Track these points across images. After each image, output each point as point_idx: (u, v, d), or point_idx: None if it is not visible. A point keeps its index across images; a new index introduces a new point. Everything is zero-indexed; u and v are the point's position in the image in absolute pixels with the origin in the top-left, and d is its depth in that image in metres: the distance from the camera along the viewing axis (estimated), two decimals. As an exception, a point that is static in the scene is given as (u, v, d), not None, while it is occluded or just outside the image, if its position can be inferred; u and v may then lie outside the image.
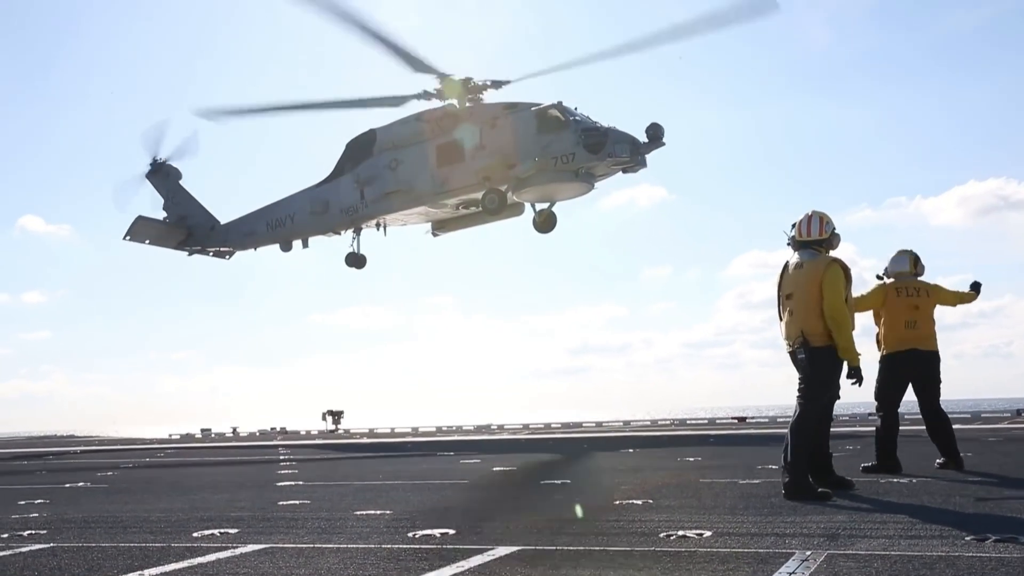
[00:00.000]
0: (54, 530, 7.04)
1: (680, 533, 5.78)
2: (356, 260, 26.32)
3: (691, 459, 13.06)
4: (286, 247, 27.46)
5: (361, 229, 26.08)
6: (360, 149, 25.49)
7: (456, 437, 27.95)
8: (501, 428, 35.51)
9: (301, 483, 11.11)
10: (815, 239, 8.04)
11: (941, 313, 10.15)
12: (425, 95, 23.50)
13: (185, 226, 29.37)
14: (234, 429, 47.55)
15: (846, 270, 7.89)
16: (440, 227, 26.50)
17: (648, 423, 35.06)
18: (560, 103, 22.65)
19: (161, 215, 30.00)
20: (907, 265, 10.13)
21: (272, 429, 46.63)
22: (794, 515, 6.48)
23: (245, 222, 28.47)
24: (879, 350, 10.05)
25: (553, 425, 35.93)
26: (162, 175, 29.82)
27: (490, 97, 23.84)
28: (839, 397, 7.94)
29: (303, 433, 40.44)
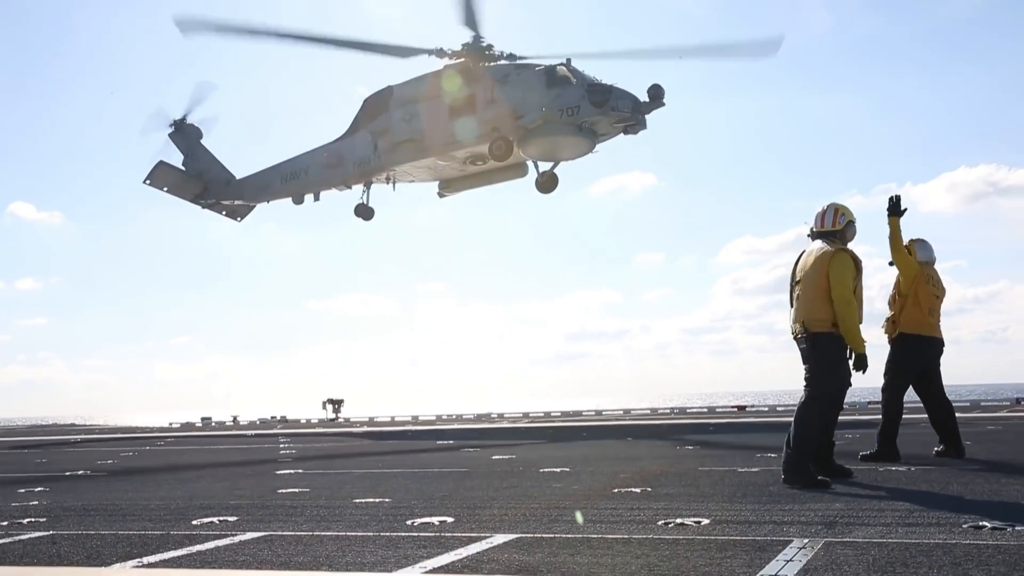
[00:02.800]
0: (54, 518, 7.06)
1: (678, 521, 5.79)
2: (365, 211, 27.38)
3: (690, 447, 13.08)
4: (298, 200, 28.43)
5: (372, 183, 27.12)
6: (377, 104, 26.59)
7: (455, 426, 27.99)
8: (501, 417, 35.56)
9: (300, 471, 11.13)
10: (829, 230, 8.15)
11: None
12: (439, 52, 24.62)
13: (203, 180, 30.76)
14: (234, 418, 47.62)
15: (856, 260, 7.91)
16: (447, 187, 27.28)
17: (648, 411, 35.10)
18: (569, 61, 23.87)
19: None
20: (933, 255, 10.10)
21: (272, 418, 46.68)
22: (792, 503, 6.49)
23: (260, 176, 29.55)
24: (891, 332, 9.90)
25: (553, 414, 35.97)
26: (183, 133, 31.26)
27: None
28: (850, 385, 7.89)
29: (303, 422, 40.49)
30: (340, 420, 43.09)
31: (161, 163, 30.30)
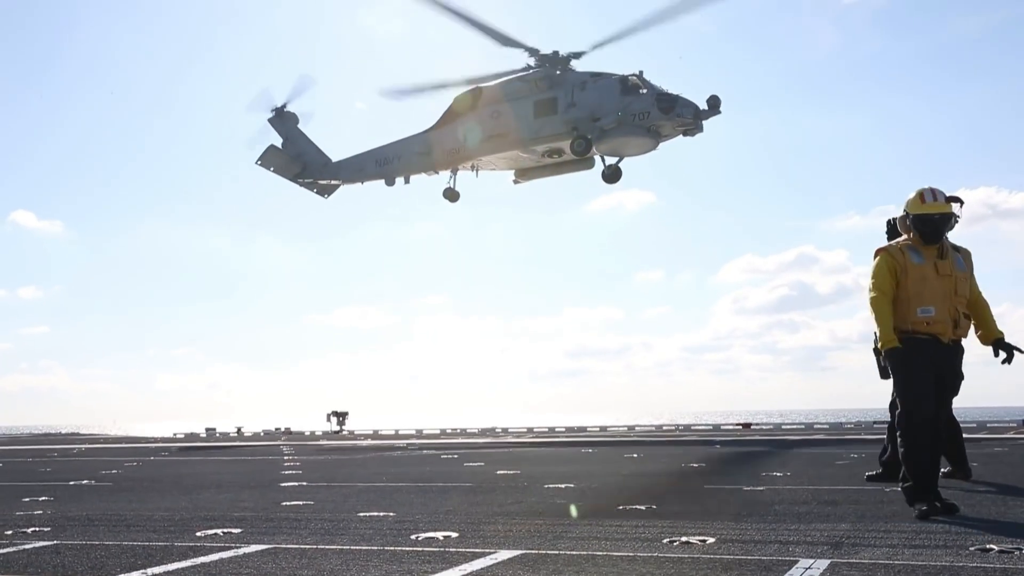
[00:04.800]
0: (58, 528, 7.06)
1: (683, 539, 5.78)
2: (452, 194, 30.87)
3: (695, 465, 13.05)
4: (390, 182, 31.70)
5: (458, 169, 30.50)
6: (466, 102, 29.82)
7: (460, 440, 27.96)
8: (505, 431, 35.50)
9: (305, 484, 11.12)
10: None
11: None
12: (532, 51, 28.28)
13: (302, 161, 33.77)
14: (238, 429, 47.63)
15: (894, 256, 7.13)
16: (522, 175, 30.53)
17: (652, 428, 35.02)
18: (641, 72, 27.28)
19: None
20: None
21: (276, 429, 46.69)
22: (798, 523, 6.47)
23: (356, 160, 32.83)
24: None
25: (557, 429, 35.90)
26: (282, 119, 34.55)
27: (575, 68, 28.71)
28: (949, 396, 7.22)
29: (307, 434, 40.47)
30: (344, 432, 43.08)
31: (271, 147, 33.88)
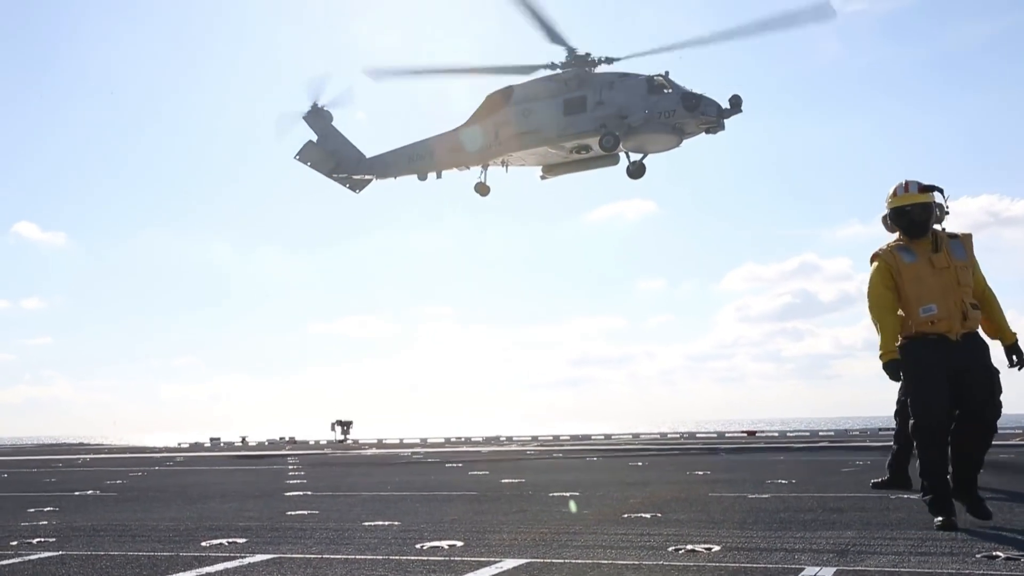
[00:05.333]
0: (63, 538, 7.06)
1: (689, 547, 5.77)
2: (483, 188, 31.95)
3: (700, 473, 13.02)
4: (423, 177, 32.85)
5: (489, 165, 31.60)
6: (498, 100, 30.98)
7: (464, 448, 27.93)
8: (509, 440, 35.47)
9: (309, 493, 11.11)
10: None
11: None
12: (551, 66, 29.58)
13: (337, 157, 34.96)
14: (243, 438, 47.62)
15: (886, 261, 6.86)
16: (549, 170, 31.58)
17: (657, 436, 34.97)
18: (667, 73, 28.53)
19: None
20: None
21: (281, 439, 46.66)
22: (803, 530, 6.46)
23: (389, 155, 33.92)
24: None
25: (562, 437, 35.85)
26: (317, 116, 35.54)
27: (601, 70, 30.04)
28: (978, 393, 6.67)
29: (312, 443, 40.45)
30: (349, 442, 43.06)
31: (309, 142, 34.92)
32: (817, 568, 4.97)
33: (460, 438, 38.66)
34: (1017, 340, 6.89)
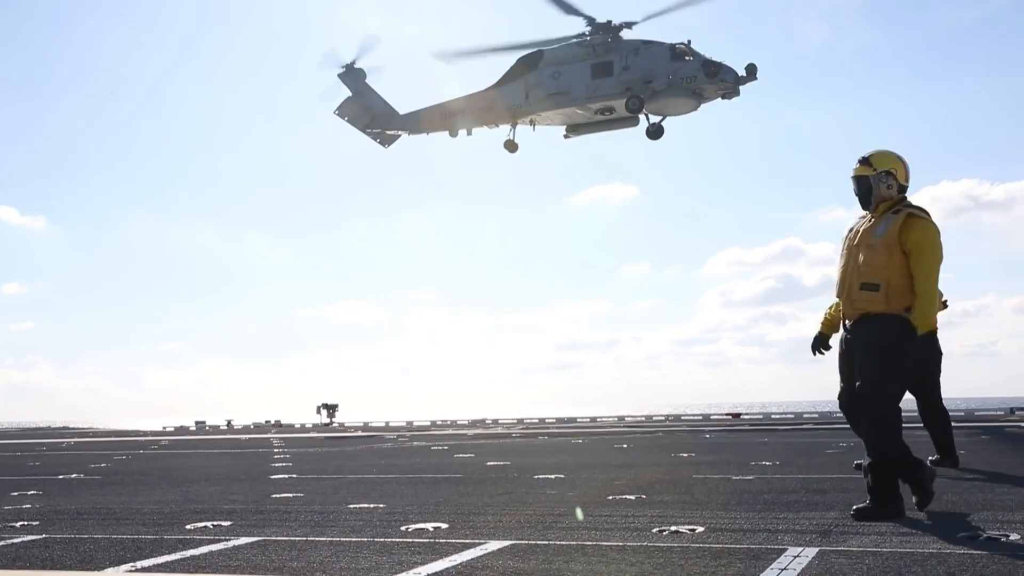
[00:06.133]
0: (46, 521, 7.04)
1: (673, 528, 5.79)
2: (511, 146, 34.06)
3: (685, 455, 13.08)
4: (453, 134, 34.79)
5: (517, 124, 33.67)
6: (529, 63, 32.84)
7: (450, 431, 27.98)
8: (495, 423, 35.52)
9: (295, 476, 11.11)
10: None
11: None
12: (581, 36, 31.67)
13: (371, 113, 36.70)
14: (228, 422, 47.54)
15: (843, 237, 6.71)
16: (573, 130, 33.56)
17: (642, 419, 35.10)
18: (689, 42, 30.60)
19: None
20: None
21: (267, 422, 46.60)
22: (787, 511, 6.50)
23: (423, 112, 35.62)
24: None
25: (547, 420, 35.93)
26: (352, 75, 36.72)
27: (625, 35, 32.17)
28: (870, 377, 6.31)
29: (298, 426, 40.43)
30: (334, 425, 43.05)
31: (348, 98, 36.58)
32: (800, 548, 5.00)
33: (446, 421, 38.71)
34: (922, 330, 6.32)
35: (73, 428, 50.06)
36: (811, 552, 4.88)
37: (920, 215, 6.30)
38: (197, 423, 47.47)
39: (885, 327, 6.18)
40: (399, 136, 36.92)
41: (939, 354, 10.08)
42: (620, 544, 5.31)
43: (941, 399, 9.98)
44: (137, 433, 36.60)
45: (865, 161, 6.47)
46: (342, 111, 36.93)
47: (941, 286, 10.41)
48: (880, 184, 6.40)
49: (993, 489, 7.63)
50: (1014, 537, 5.16)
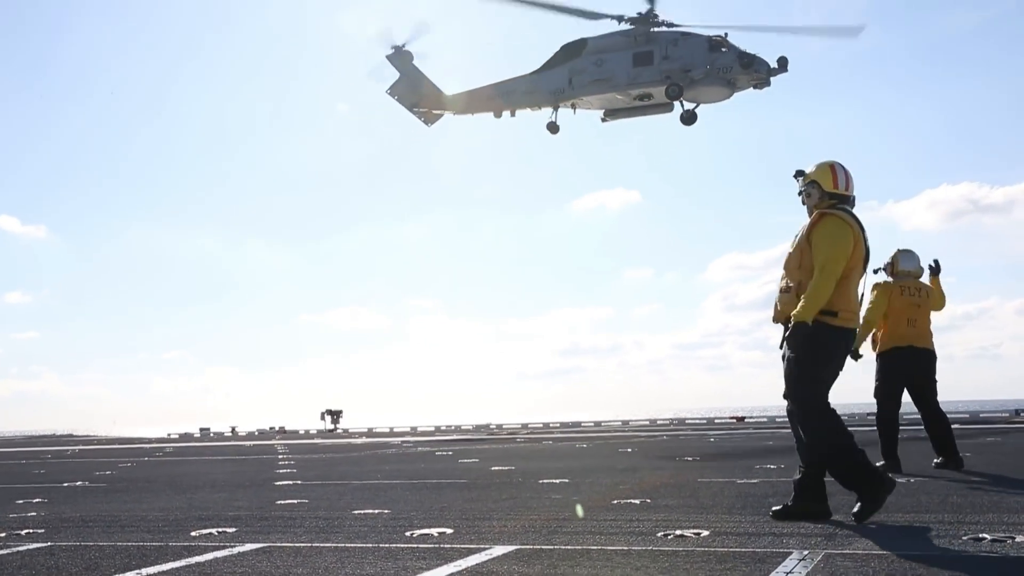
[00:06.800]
0: (52, 529, 7.04)
1: (678, 532, 5.79)
2: (553, 127, 35.17)
3: (689, 459, 13.07)
4: (498, 115, 36.08)
5: (559, 107, 34.90)
6: (572, 50, 34.26)
7: (454, 437, 27.97)
8: (500, 428, 35.51)
9: (299, 482, 11.11)
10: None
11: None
12: (619, 18, 33.30)
13: (419, 92, 37.89)
14: (233, 429, 47.56)
15: None
16: (611, 114, 35.02)
17: (647, 423, 35.07)
18: (726, 34, 32.09)
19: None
20: (917, 265, 10.19)
21: (271, 428, 46.62)
22: (792, 514, 6.48)
23: (468, 94, 37.06)
24: (873, 349, 10.07)
25: (552, 425, 35.91)
26: (400, 56, 37.99)
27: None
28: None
29: (302, 432, 40.44)
30: (339, 431, 43.07)
31: (399, 78, 37.77)
32: (805, 551, 4.99)
33: (450, 427, 38.70)
34: (796, 320, 6.24)
35: (77, 436, 50.09)
36: (816, 555, 4.87)
37: (829, 213, 6.39)
38: (202, 430, 47.54)
39: (795, 331, 6.26)
40: (442, 115, 38.31)
41: (935, 359, 10.09)
42: (625, 548, 5.30)
43: (938, 404, 9.99)
44: (141, 440, 36.63)
45: (799, 174, 6.65)
46: (393, 90, 38.44)
47: (944, 288, 10.45)
48: (804, 195, 6.58)
49: (998, 491, 7.62)
50: (1019, 539, 5.15)
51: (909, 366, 9.88)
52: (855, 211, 6.55)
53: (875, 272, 10.25)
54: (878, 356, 10.00)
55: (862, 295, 6.57)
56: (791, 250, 6.49)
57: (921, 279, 10.25)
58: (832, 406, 6.45)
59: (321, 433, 39.85)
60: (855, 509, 6.18)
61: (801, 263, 6.35)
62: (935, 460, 9.87)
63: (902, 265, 10.17)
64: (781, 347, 6.49)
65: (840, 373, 6.47)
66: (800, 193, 6.62)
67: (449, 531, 6.22)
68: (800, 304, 6.22)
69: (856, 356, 6.88)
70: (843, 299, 6.31)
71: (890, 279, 10.16)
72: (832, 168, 6.52)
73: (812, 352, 6.26)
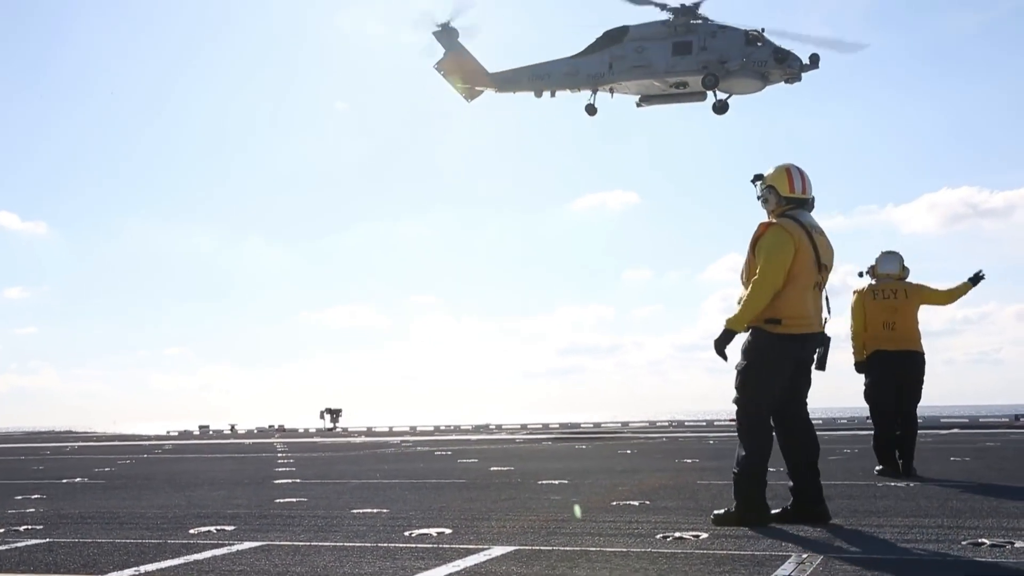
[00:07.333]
0: (50, 525, 7.04)
1: (677, 534, 5.78)
2: (591, 109, 36.15)
3: (689, 460, 13.07)
4: (538, 95, 37.00)
5: (597, 90, 35.96)
6: (614, 36, 35.31)
7: (453, 436, 27.98)
8: (499, 428, 35.52)
9: (298, 481, 11.11)
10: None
11: (925, 318, 10.12)
12: (661, 6, 34.06)
13: (463, 70, 38.74)
14: (232, 427, 47.58)
15: None
16: (646, 100, 36.11)
17: (646, 424, 35.07)
18: (763, 30, 33.14)
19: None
20: (897, 267, 10.15)
21: (270, 427, 46.63)
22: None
23: (512, 72, 37.95)
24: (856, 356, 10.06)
25: (551, 425, 35.92)
26: (446, 33, 38.78)
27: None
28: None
29: (301, 431, 40.46)
30: (338, 429, 43.10)
31: (446, 54, 38.55)
32: (804, 555, 4.99)
33: (449, 426, 38.71)
34: (725, 327, 6.42)
35: (76, 432, 50.13)
36: (816, 559, 4.87)
37: (773, 223, 6.39)
38: (201, 427, 47.55)
39: (744, 340, 6.38)
40: (482, 92, 39.15)
41: (920, 361, 10.03)
42: (624, 550, 5.30)
43: (914, 409, 9.94)
44: (141, 437, 36.65)
45: (757, 178, 6.64)
46: (440, 65, 39.25)
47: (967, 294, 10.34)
48: (762, 200, 6.58)
49: (998, 496, 7.62)
50: (1019, 544, 5.15)
51: (888, 370, 9.84)
52: (814, 213, 6.57)
53: (860, 276, 10.30)
54: (858, 364, 10.00)
55: (826, 298, 6.56)
56: (744, 261, 6.55)
57: (907, 279, 10.17)
58: (769, 424, 6.37)
59: (320, 432, 39.87)
60: (721, 510, 6.29)
61: (750, 271, 6.44)
62: (876, 468, 9.79)
63: (880, 268, 10.19)
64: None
65: (790, 381, 6.38)
66: (759, 198, 6.63)
67: (448, 531, 6.22)
68: (735, 312, 6.32)
69: (821, 366, 6.60)
70: (789, 306, 6.27)
71: (873, 281, 10.18)
72: (788, 172, 6.48)
73: (755, 359, 6.31)
